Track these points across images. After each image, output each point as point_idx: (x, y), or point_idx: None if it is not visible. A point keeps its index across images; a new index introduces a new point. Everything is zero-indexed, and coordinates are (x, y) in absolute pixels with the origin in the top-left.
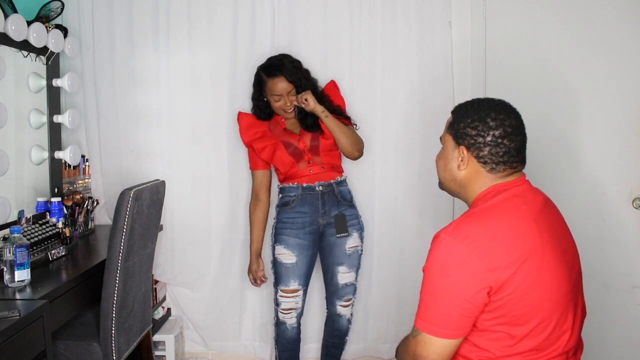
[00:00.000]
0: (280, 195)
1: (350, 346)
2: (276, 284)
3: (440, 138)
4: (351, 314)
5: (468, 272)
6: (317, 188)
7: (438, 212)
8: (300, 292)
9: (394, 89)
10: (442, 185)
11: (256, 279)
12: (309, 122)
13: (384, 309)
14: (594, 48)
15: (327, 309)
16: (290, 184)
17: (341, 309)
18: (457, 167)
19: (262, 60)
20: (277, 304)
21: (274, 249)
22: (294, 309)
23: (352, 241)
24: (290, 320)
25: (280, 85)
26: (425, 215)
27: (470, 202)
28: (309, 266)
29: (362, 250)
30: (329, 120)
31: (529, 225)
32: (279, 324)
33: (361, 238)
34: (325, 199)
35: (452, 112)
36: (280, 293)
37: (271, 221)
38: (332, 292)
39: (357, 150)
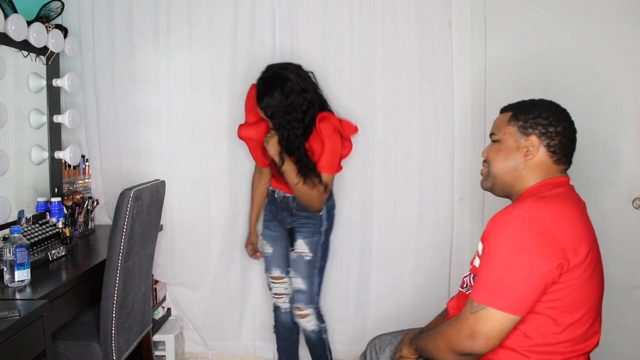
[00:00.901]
0: None
1: (350, 346)
2: (265, 270)
3: (492, 134)
4: (318, 326)
5: (547, 247)
6: (275, 195)
7: (438, 212)
8: (286, 279)
9: (394, 89)
10: (493, 181)
11: (256, 251)
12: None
13: (383, 309)
14: (594, 48)
15: None
16: (269, 184)
17: (298, 318)
18: (523, 156)
19: (262, 60)
20: (269, 288)
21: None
22: (284, 294)
23: (295, 246)
24: (283, 304)
25: (261, 112)
26: (425, 215)
27: (518, 194)
28: (287, 256)
29: (311, 258)
30: (285, 175)
31: (588, 220)
32: (275, 310)
33: (312, 246)
34: (282, 207)
35: (508, 110)
36: (270, 279)
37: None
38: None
39: (311, 207)
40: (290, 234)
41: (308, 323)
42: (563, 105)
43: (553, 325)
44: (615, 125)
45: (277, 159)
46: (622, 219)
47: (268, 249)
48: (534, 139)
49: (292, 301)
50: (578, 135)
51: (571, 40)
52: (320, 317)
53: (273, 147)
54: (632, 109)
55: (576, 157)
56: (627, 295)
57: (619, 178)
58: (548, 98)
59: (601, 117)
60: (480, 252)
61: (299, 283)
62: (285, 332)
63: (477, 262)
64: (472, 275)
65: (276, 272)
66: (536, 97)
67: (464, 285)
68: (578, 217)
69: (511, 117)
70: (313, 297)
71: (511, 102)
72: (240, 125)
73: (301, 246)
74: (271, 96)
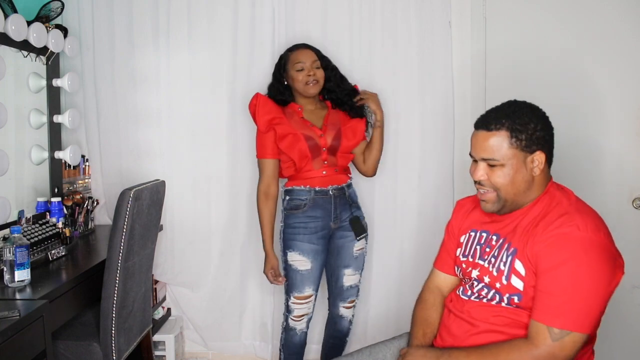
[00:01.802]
0: (288, 198)
1: (349, 347)
2: (289, 291)
3: (490, 159)
4: (353, 315)
5: (614, 265)
6: (330, 192)
7: (438, 212)
8: (313, 297)
9: (394, 89)
10: (504, 204)
11: (277, 276)
12: (350, 100)
13: (383, 309)
14: (594, 48)
15: (329, 310)
16: (302, 186)
17: (344, 311)
18: (532, 173)
19: (262, 60)
20: (288, 311)
21: (285, 254)
22: (306, 314)
23: (359, 243)
24: (300, 325)
25: (305, 55)
26: (425, 215)
27: (524, 205)
28: (321, 270)
29: (366, 252)
30: (382, 132)
31: None
32: (288, 330)
33: (366, 239)
34: (338, 202)
35: (499, 127)
36: (292, 300)
37: (278, 225)
38: (336, 294)
39: (376, 169)
40: (355, 225)
41: (351, 311)
42: (563, 105)
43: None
44: (615, 126)
45: (380, 113)
46: (622, 219)
47: (305, 265)
48: (539, 154)
49: (342, 298)
50: (578, 136)
51: (571, 40)
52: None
53: (376, 100)
54: (632, 109)
55: (577, 156)
56: (627, 295)
57: (619, 178)
58: (548, 98)
59: (601, 117)
60: (523, 273)
61: (357, 279)
62: (297, 349)
63: (517, 283)
64: (506, 295)
65: (308, 291)
66: (535, 98)
67: (469, 293)
68: (601, 217)
69: (510, 139)
70: (360, 286)
71: (483, 115)
72: (258, 119)
73: (362, 242)
74: (308, 44)
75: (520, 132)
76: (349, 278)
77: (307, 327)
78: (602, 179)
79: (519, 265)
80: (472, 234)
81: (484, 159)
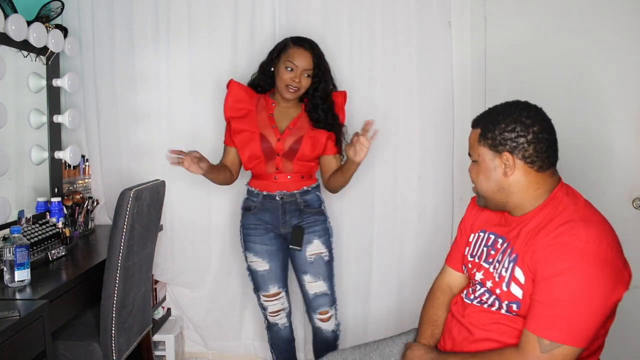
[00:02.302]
0: (244, 197)
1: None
2: (256, 290)
3: (470, 154)
4: (336, 325)
5: (615, 278)
6: (277, 197)
7: (438, 212)
8: (283, 293)
9: (394, 89)
10: (485, 201)
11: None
12: (320, 117)
13: (384, 309)
14: (594, 48)
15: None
16: (254, 188)
17: (320, 323)
18: (503, 175)
19: (262, 60)
20: (263, 308)
21: (245, 256)
22: (282, 309)
23: (312, 248)
24: (281, 320)
25: (302, 58)
26: (425, 215)
27: (517, 208)
28: (283, 269)
29: (329, 257)
30: (354, 171)
31: None
32: (270, 327)
33: (327, 244)
34: (286, 208)
35: (476, 125)
36: (263, 298)
37: (238, 223)
38: (307, 304)
39: (340, 190)
40: (296, 234)
41: (330, 324)
42: (563, 104)
43: (602, 336)
44: (615, 125)
45: (361, 159)
46: (622, 219)
47: (263, 266)
48: (507, 155)
49: (313, 309)
50: (578, 135)
51: (571, 40)
52: (336, 315)
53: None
54: (632, 108)
55: (576, 156)
56: (627, 295)
57: (619, 178)
58: (548, 97)
59: (601, 117)
60: (522, 281)
61: (321, 286)
62: (285, 345)
63: (516, 291)
64: (505, 302)
65: (274, 289)
66: (535, 98)
67: (471, 297)
68: (611, 227)
69: (480, 136)
70: (335, 296)
71: (482, 112)
72: (224, 108)
73: (318, 247)
74: (314, 44)
75: (489, 131)
76: (311, 285)
77: (289, 321)
78: (602, 178)
79: (518, 273)
80: (481, 234)
81: (469, 155)
